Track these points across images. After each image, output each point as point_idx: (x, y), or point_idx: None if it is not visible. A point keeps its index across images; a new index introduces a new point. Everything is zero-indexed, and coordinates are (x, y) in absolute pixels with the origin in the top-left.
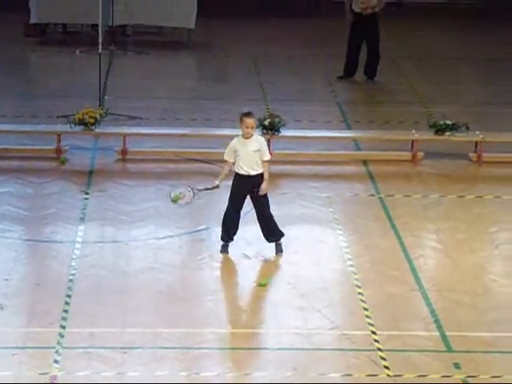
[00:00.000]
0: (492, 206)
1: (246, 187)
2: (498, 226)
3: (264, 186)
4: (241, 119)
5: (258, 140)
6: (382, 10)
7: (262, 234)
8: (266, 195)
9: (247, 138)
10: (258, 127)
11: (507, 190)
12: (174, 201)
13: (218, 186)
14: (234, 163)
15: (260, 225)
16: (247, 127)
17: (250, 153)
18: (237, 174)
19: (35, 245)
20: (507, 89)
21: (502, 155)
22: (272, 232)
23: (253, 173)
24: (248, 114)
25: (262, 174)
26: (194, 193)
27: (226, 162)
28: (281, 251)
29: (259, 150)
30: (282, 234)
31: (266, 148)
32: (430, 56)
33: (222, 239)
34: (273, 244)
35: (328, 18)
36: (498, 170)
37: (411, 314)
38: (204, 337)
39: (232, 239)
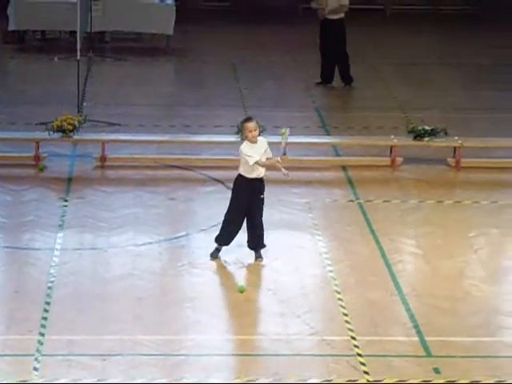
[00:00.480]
0: (470, 211)
1: (251, 190)
2: (477, 231)
3: (284, 170)
4: (243, 126)
5: (264, 141)
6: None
7: (246, 239)
8: (263, 202)
9: (254, 142)
10: (236, 133)
11: (485, 195)
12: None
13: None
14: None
15: (248, 230)
16: (251, 131)
17: (261, 155)
18: (243, 177)
19: (14, 252)
20: (485, 94)
21: (480, 160)
22: (257, 241)
23: (261, 175)
24: (249, 119)
25: (263, 177)
26: None
27: (256, 162)
28: (260, 257)
29: (266, 151)
30: (263, 246)
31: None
32: (409, 62)
33: (218, 242)
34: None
35: (307, 24)
36: (476, 176)
37: (391, 320)
38: (183, 343)
39: (227, 244)
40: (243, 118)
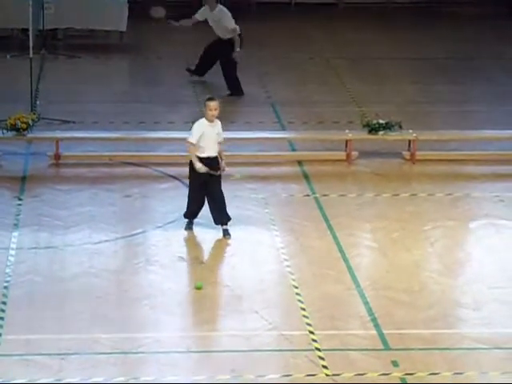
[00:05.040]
0: (426, 204)
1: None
2: (432, 224)
3: (224, 164)
4: (205, 104)
5: (219, 123)
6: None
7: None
8: (219, 179)
9: (211, 121)
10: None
11: (440, 188)
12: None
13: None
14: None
15: (210, 206)
16: (211, 110)
17: (214, 136)
18: (197, 157)
19: None
20: (438, 87)
21: (434, 153)
22: (219, 215)
23: (213, 155)
24: (211, 98)
25: (217, 156)
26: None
27: (192, 144)
28: (228, 235)
29: (219, 133)
30: (229, 218)
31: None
32: (363, 56)
33: (185, 217)
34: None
35: (261, 20)
36: (431, 168)
37: (348, 313)
38: (141, 341)
39: (195, 217)
40: (207, 97)
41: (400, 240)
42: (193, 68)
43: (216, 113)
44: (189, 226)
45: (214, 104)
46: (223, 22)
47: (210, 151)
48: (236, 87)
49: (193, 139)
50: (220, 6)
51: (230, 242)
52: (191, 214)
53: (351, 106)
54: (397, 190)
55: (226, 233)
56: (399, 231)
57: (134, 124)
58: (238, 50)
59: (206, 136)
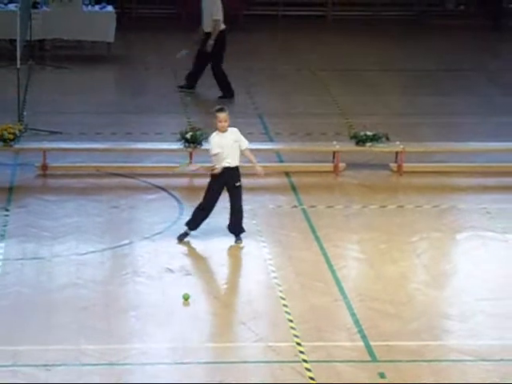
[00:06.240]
0: (413, 216)
1: (226, 179)
2: (419, 235)
3: (259, 168)
4: (215, 115)
5: (234, 131)
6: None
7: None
8: (240, 188)
9: (224, 132)
10: (179, 140)
11: (427, 200)
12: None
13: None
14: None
15: (230, 215)
16: (221, 121)
17: (231, 144)
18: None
19: None
20: (425, 99)
21: (421, 165)
22: (236, 226)
23: (234, 164)
24: (220, 110)
25: (238, 166)
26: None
27: (214, 156)
28: (240, 240)
29: (237, 141)
30: (242, 231)
31: (242, 136)
32: (351, 68)
33: (188, 226)
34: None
35: (248, 30)
36: (418, 180)
37: (335, 325)
38: (128, 352)
39: (195, 229)
40: (216, 108)
41: (387, 251)
42: (182, 83)
43: (226, 124)
44: (184, 236)
45: (222, 116)
46: (209, 8)
47: (231, 160)
48: (224, 85)
49: (214, 151)
50: None
51: (217, 253)
52: (195, 224)
53: (338, 118)
54: (384, 202)
55: (237, 239)
56: (386, 243)
57: (121, 135)
58: (211, 42)
59: (224, 146)
